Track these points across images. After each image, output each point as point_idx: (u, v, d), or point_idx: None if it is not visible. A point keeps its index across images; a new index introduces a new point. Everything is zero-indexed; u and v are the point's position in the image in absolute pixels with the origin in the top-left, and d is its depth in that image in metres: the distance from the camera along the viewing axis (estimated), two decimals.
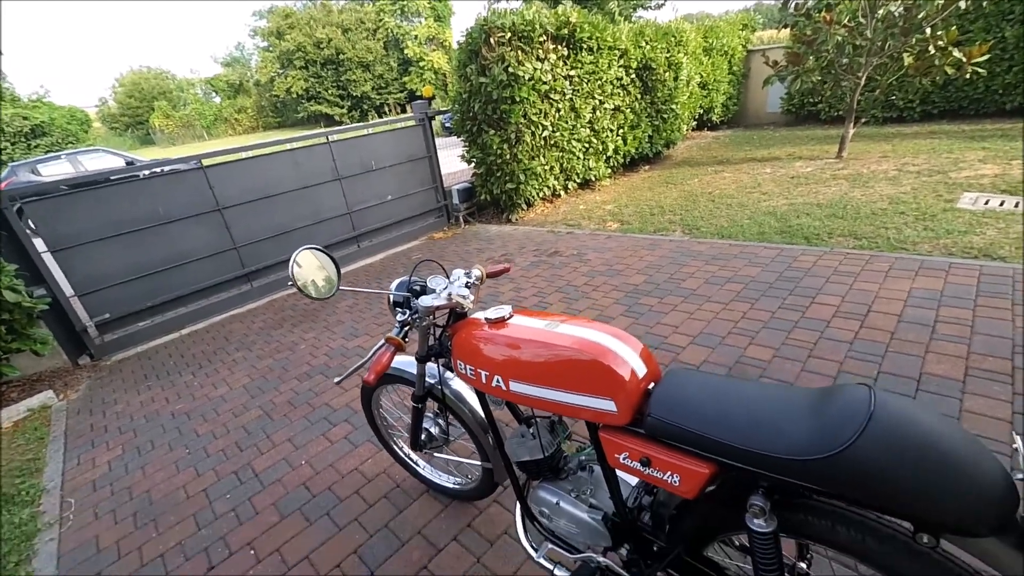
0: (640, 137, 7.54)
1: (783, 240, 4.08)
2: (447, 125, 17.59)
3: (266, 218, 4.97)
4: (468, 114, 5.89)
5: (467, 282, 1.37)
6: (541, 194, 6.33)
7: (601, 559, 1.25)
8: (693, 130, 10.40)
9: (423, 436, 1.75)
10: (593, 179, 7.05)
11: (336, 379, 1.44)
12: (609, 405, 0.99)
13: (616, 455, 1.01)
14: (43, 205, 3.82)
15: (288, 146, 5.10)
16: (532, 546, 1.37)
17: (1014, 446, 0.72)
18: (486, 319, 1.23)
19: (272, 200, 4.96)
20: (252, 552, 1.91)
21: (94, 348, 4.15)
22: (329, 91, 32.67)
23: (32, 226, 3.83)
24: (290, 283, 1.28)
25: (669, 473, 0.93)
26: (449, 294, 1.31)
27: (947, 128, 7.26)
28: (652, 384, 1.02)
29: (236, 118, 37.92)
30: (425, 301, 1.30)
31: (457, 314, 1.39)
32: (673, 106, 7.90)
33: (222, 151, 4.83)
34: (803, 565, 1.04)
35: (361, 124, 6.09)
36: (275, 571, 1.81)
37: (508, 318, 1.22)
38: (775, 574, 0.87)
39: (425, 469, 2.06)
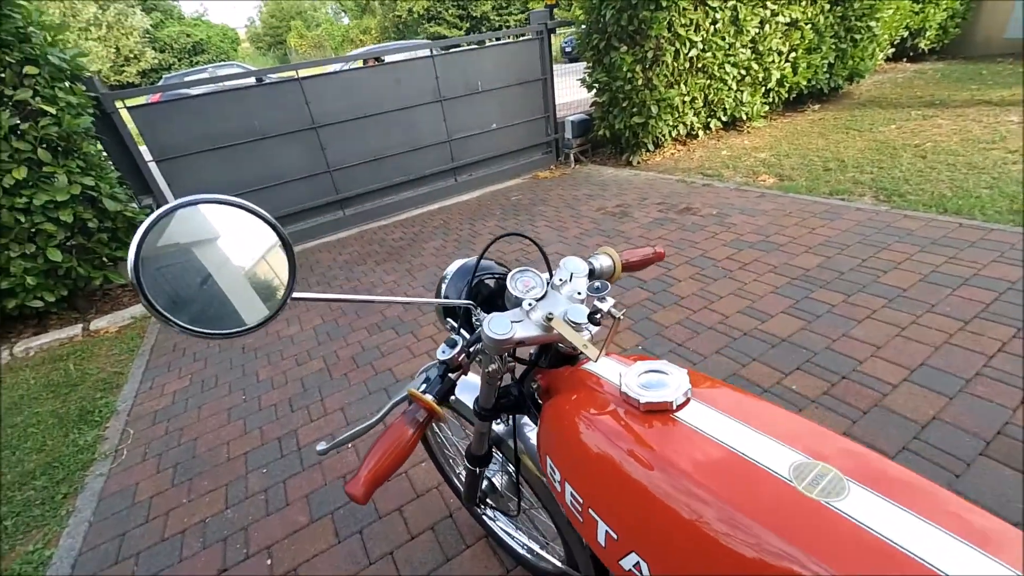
0: (817, 65, 5.78)
1: None
2: (568, 50, 15.88)
3: (361, 142, 4.56)
4: (596, 25, 4.79)
5: (589, 288, 0.64)
6: (674, 133, 5.15)
7: None
8: (887, 60, 7.98)
9: (482, 488, 1.16)
10: (743, 118, 5.61)
11: (319, 447, 0.82)
12: None
13: None
14: (145, 112, 3.74)
15: (389, 58, 4.53)
16: None
17: None
18: (625, 393, 0.53)
19: (369, 121, 4.52)
20: (268, 562, 1.55)
21: None
22: (449, 11, 31.41)
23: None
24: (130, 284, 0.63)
25: None
26: (548, 319, 0.61)
27: None
28: None
29: (361, 39, 38.58)
30: (497, 329, 0.61)
31: (561, 353, 0.70)
32: (871, 23, 5.89)
33: (313, 62, 4.45)
34: None
35: (473, 36, 5.32)
36: None
37: (681, 406, 0.51)
38: None
39: (486, 512, 1.49)
